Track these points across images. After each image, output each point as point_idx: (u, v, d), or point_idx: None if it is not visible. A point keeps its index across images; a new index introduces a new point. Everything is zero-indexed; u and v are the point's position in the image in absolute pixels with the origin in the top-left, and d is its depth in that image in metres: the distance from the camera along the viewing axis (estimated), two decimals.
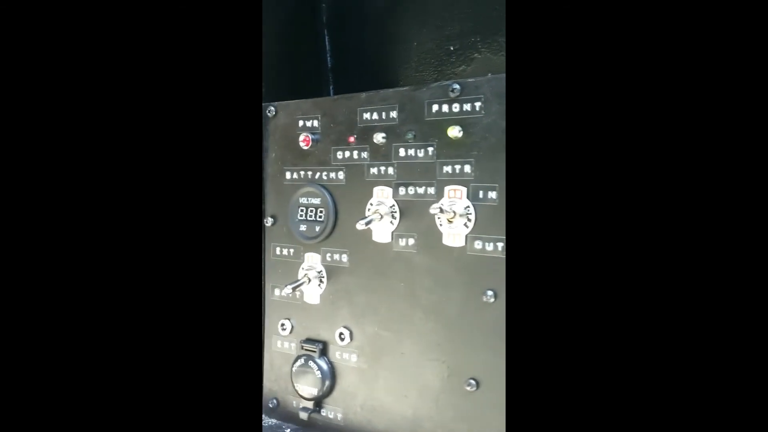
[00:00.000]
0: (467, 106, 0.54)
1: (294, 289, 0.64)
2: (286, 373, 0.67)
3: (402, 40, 0.77)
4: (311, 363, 0.64)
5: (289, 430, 0.66)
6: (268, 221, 0.69)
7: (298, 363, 0.65)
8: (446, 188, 0.56)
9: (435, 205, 0.54)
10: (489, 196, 0.54)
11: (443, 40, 0.73)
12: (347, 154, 0.62)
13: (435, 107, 0.56)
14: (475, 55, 0.71)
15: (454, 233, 0.55)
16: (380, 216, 0.59)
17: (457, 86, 0.54)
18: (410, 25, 0.76)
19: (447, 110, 0.56)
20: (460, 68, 0.73)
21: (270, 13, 0.70)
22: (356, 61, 0.81)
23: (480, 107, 0.54)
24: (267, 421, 0.68)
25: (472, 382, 0.54)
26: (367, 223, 0.58)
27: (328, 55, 0.82)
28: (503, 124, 0.52)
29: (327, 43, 0.82)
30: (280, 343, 0.68)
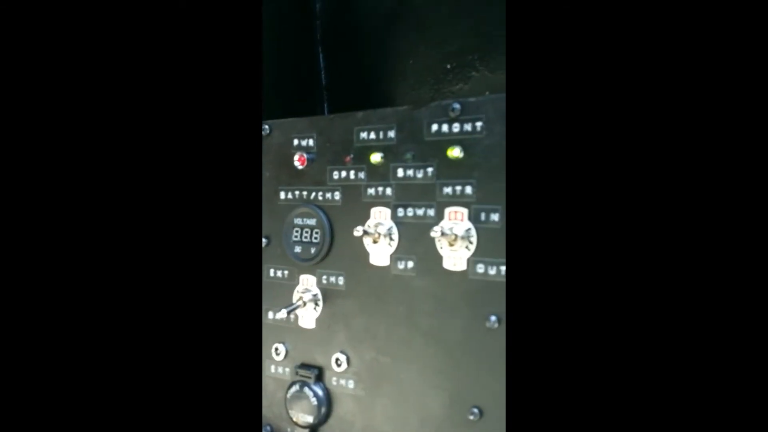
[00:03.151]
0: (468, 126, 0.53)
1: (289, 312, 0.62)
2: (280, 399, 0.65)
3: (398, 57, 0.76)
4: (306, 389, 0.62)
5: None
6: (264, 242, 0.67)
7: (293, 389, 0.63)
8: (447, 210, 0.54)
9: (436, 228, 0.52)
10: (491, 219, 0.52)
11: (440, 58, 0.72)
12: (344, 174, 0.61)
13: (434, 127, 0.55)
14: (473, 73, 0.71)
15: (456, 256, 0.54)
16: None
17: (457, 106, 0.53)
18: (407, 43, 0.75)
19: (447, 130, 0.54)
20: (457, 86, 0.72)
21: (265, 30, 0.69)
22: (351, 78, 0.80)
23: (481, 127, 0.53)
24: None
25: (475, 410, 0.53)
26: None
27: (322, 72, 0.80)
28: (505, 144, 0.51)
29: (321, 60, 0.80)
30: (273, 368, 0.66)
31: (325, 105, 0.81)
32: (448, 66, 0.71)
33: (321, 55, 0.80)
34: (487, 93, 0.54)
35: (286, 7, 0.76)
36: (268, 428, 0.66)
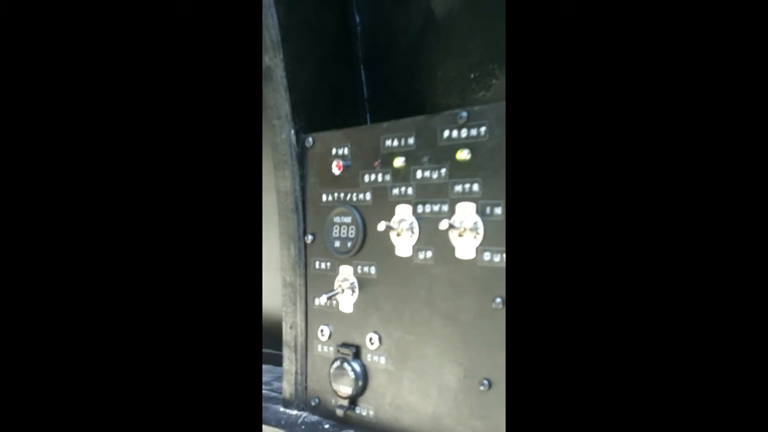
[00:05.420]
0: (474, 131, 0.60)
1: (329, 298, 0.72)
2: (325, 375, 0.75)
3: (428, 69, 0.83)
4: (346, 365, 0.72)
5: (328, 425, 0.73)
6: (309, 238, 0.77)
7: (335, 365, 0.73)
8: (457, 205, 0.62)
9: (445, 221, 0.60)
10: (495, 212, 0.59)
11: (465, 69, 0.80)
12: (373, 177, 0.70)
13: (446, 133, 0.63)
14: (493, 81, 0.77)
15: (466, 246, 0.61)
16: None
17: (464, 114, 0.61)
18: (435, 56, 0.83)
19: (456, 135, 0.62)
20: (480, 94, 0.79)
21: (302, 47, 0.80)
22: (389, 91, 0.89)
23: (485, 131, 0.60)
24: (309, 417, 0.76)
25: (486, 382, 0.59)
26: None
27: (364, 87, 0.90)
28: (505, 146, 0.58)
29: (363, 76, 0.90)
30: (320, 347, 0.76)
31: (368, 116, 0.90)
32: (472, 75, 0.78)
33: (363, 72, 0.90)
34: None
35: (330, 31, 0.86)
36: (317, 400, 0.76)
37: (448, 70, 0.81)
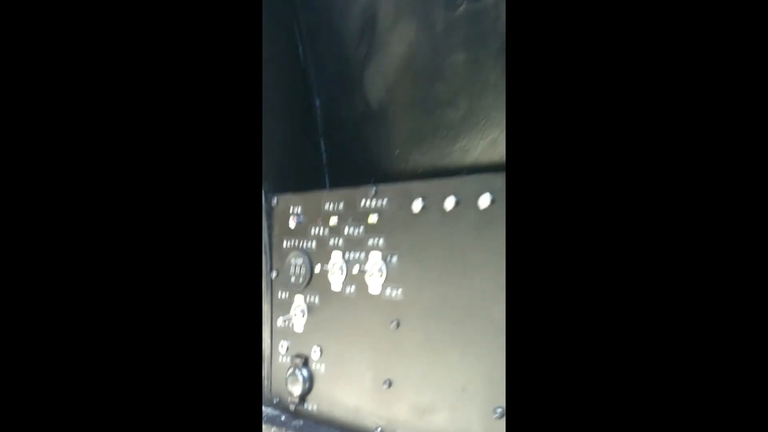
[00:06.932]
0: (379, 203, 0.85)
1: (284, 321, 0.97)
2: (283, 379, 0.99)
3: (367, 144, 1.09)
4: (297, 371, 0.96)
5: (284, 417, 0.97)
6: (273, 274, 1.02)
7: (290, 371, 0.97)
8: (370, 253, 0.86)
9: (357, 265, 0.84)
10: (393, 260, 0.83)
11: (391, 146, 1.05)
12: (317, 230, 0.95)
13: (363, 202, 0.87)
14: (409, 158, 1.02)
15: (374, 284, 0.85)
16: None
17: (374, 189, 0.85)
18: (372, 133, 1.08)
19: (368, 205, 0.86)
20: (402, 166, 1.03)
21: (275, 123, 1.05)
22: (343, 158, 1.14)
23: (386, 202, 0.84)
24: (272, 412, 1.00)
25: (388, 381, 0.83)
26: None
27: (323, 155, 1.16)
28: (402, 214, 0.82)
29: (322, 146, 1.16)
30: (280, 358, 1.00)
31: (326, 178, 1.15)
32: (396, 152, 1.03)
33: (322, 142, 1.15)
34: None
35: (296, 111, 1.12)
36: (277, 398, 1.00)
37: (380, 144, 1.06)
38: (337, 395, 0.91)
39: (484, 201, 0.71)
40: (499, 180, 0.71)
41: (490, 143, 0.90)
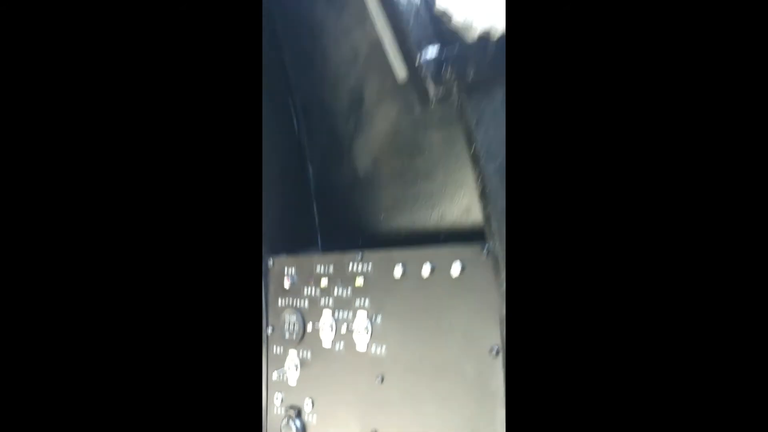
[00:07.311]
0: (365, 267, 0.95)
1: (280, 375, 1.05)
2: (278, 428, 1.06)
3: (356, 208, 1.19)
4: (291, 422, 1.03)
5: None
6: (269, 330, 1.11)
7: (284, 422, 1.04)
8: (357, 313, 0.95)
9: (345, 324, 0.93)
10: (378, 319, 0.92)
11: (377, 211, 1.15)
12: (309, 291, 1.04)
13: (350, 266, 0.97)
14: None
15: (361, 341, 0.94)
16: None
17: (359, 255, 0.95)
18: (359, 198, 1.19)
19: (355, 269, 0.96)
20: (386, 229, 1.14)
21: (272, 189, 1.16)
22: (334, 220, 1.25)
23: (371, 267, 0.94)
24: None
25: (374, 431, 0.91)
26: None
27: (315, 218, 1.26)
28: (385, 279, 0.92)
29: (315, 209, 1.26)
30: (275, 409, 1.08)
31: (319, 240, 1.26)
32: (381, 217, 1.14)
33: (315, 205, 1.26)
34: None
35: (290, 179, 1.23)
36: None
37: (368, 209, 1.17)
38: None
39: (456, 269, 0.81)
40: (469, 250, 0.81)
41: (464, 211, 1.01)
